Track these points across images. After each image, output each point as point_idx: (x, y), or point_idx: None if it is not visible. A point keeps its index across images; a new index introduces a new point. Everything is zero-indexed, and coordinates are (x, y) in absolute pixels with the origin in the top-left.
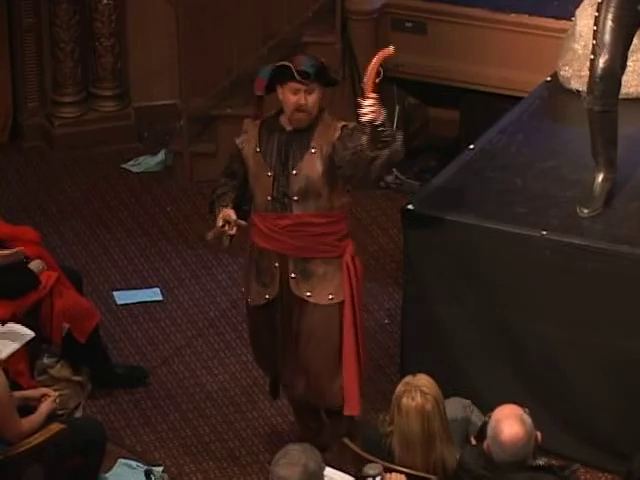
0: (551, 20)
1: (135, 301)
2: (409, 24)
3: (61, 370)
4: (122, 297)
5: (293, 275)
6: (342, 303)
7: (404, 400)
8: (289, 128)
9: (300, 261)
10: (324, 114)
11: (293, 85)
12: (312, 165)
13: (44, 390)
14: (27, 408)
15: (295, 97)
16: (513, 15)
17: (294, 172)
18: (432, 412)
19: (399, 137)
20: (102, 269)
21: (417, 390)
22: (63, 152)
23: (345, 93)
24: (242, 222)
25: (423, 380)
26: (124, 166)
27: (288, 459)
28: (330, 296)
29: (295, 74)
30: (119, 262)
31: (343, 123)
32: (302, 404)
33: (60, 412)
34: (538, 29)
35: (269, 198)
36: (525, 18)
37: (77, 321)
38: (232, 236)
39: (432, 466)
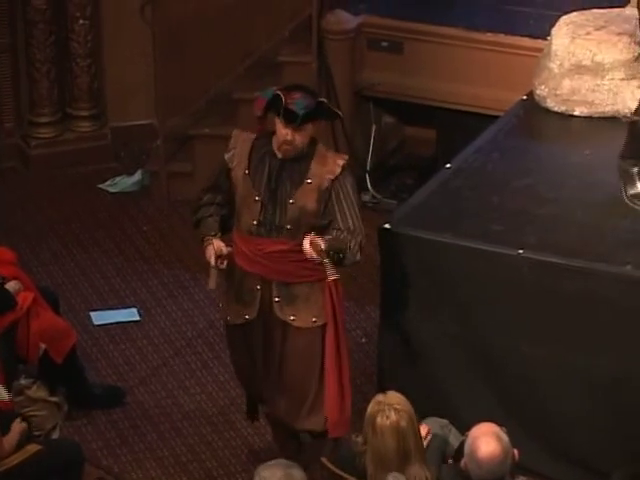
0: (527, 39)
1: (112, 321)
2: (385, 43)
3: (38, 391)
4: (99, 317)
5: (277, 299)
6: (324, 325)
7: (378, 419)
8: (280, 155)
9: (283, 286)
10: (318, 146)
11: (283, 119)
12: (308, 196)
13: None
14: None
15: (284, 131)
16: (489, 34)
17: (290, 201)
18: (407, 429)
19: (353, 248)
20: (79, 289)
21: (391, 408)
22: (39, 172)
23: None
24: (229, 249)
25: (395, 398)
26: (101, 186)
27: (274, 462)
28: (314, 319)
29: (281, 113)
30: (96, 282)
31: (342, 161)
32: (280, 424)
33: (37, 433)
34: (514, 48)
35: (255, 222)
36: (501, 37)
37: (54, 341)
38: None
39: None
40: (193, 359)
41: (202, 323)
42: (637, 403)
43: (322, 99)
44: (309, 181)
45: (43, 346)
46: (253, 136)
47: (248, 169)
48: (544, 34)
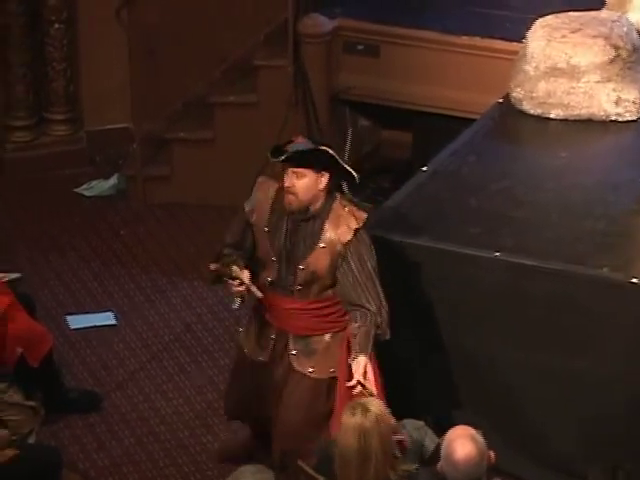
0: (502, 42)
1: (89, 325)
2: (361, 47)
3: (14, 395)
4: (75, 321)
5: (294, 352)
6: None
7: (344, 417)
8: (287, 208)
9: (300, 339)
10: (335, 203)
11: (286, 166)
12: (320, 260)
13: None
14: None
15: (287, 179)
16: (465, 37)
17: (301, 267)
18: (370, 430)
19: (382, 326)
20: (55, 294)
21: (361, 408)
22: (14, 176)
23: (298, 116)
24: (258, 293)
25: (372, 401)
26: (77, 190)
27: (248, 467)
28: (331, 369)
29: (270, 152)
30: (72, 286)
31: (356, 225)
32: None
33: (13, 438)
34: (489, 51)
35: (269, 280)
36: (476, 40)
37: (30, 345)
38: (242, 298)
39: None
40: (170, 363)
41: (179, 327)
42: (616, 406)
43: (327, 149)
44: (322, 245)
45: (19, 350)
46: (276, 186)
47: (268, 226)
48: (520, 37)
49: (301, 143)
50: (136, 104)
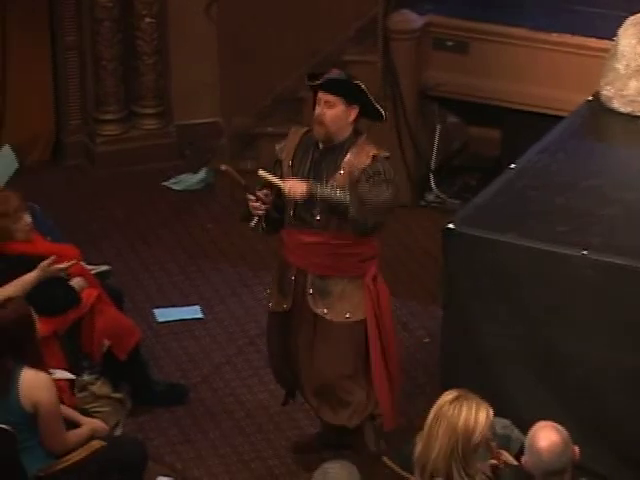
0: (593, 39)
1: (175, 318)
2: (450, 43)
3: (102, 387)
4: (163, 314)
5: (310, 291)
6: (362, 322)
7: (446, 392)
8: (321, 145)
9: (318, 279)
10: (360, 138)
11: (318, 95)
12: (339, 186)
13: (94, 425)
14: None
15: (318, 108)
16: (555, 35)
17: None
18: (445, 417)
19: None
20: (143, 286)
21: (464, 399)
22: (104, 170)
23: (386, 112)
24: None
25: (483, 405)
26: (165, 184)
27: (338, 462)
28: (347, 314)
29: (307, 77)
30: (160, 279)
31: (374, 152)
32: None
33: None
34: (580, 48)
35: (292, 214)
36: (567, 37)
37: (118, 338)
38: (259, 220)
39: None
40: (256, 357)
41: (265, 321)
42: None
43: (359, 83)
44: (342, 172)
45: (107, 343)
46: (305, 129)
47: (292, 161)
48: (610, 34)
49: (334, 72)
50: (225, 99)
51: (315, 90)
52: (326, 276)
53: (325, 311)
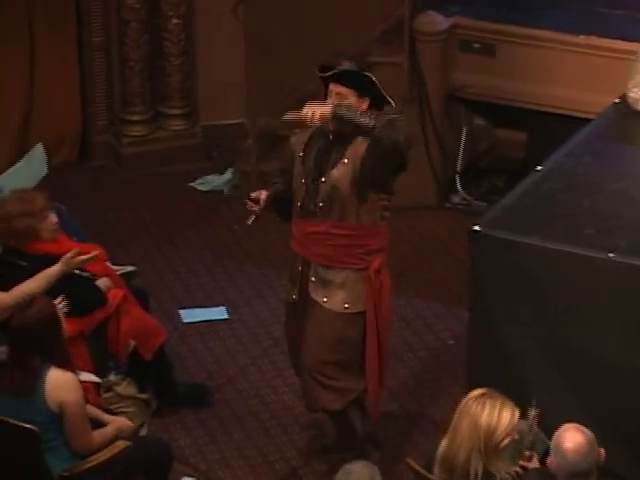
0: (620, 42)
1: (201, 319)
2: (477, 45)
3: (127, 388)
4: (188, 315)
5: (313, 279)
6: (360, 314)
7: (470, 402)
8: (331, 136)
9: (321, 269)
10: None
11: (330, 87)
12: (341, 175)
13: (119, 423)
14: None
15: (330, 99)
16: (582, 37)
17: (323, 180)
18: (469, 413)
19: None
20: (168, 287)
21: (489, 399)
22: (131, 170)
23: (412, 113)
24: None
25: (509, 406)
26: (191, 185)
27: (361, 463)
28: (345, 305)
29: (319, 69)
30: (185, 280)
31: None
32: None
33: None
34: (607, 51)
35: (299, 204)
36: (594, 40)
37: (143, 339)
38: (256, 216)
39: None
40: (280, 358)
41: None
42: None
43: (370, 75)
44: (346, 160)
45: (132, 343)
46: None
47: (303, 151)
48: (638, 37)
49: (346, 64)
50: (251, 100)
51: (326, 82)
52: (329, 266)
53: (325, 299)
